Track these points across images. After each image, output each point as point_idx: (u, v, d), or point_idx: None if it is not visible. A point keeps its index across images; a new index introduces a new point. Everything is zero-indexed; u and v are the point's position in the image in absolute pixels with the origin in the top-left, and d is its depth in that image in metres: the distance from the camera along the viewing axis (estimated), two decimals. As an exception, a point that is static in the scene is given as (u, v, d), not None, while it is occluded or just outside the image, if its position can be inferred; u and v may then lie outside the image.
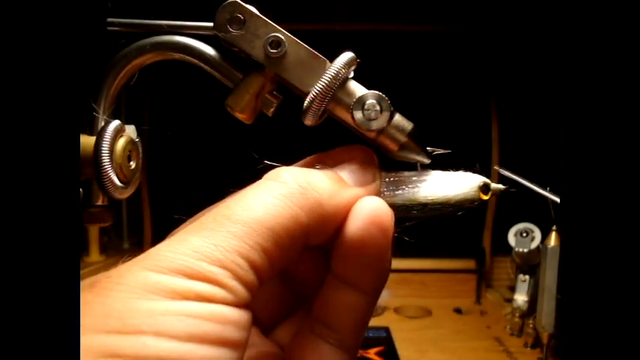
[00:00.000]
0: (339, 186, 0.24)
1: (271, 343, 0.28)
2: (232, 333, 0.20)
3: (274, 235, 0.21)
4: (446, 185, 0.27)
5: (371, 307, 0.25)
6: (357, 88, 0.27)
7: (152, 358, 0.18)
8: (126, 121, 0.33)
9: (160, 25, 0.31)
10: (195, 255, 0.20)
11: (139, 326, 0.18)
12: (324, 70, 0.27)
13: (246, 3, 0.28)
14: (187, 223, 0.25)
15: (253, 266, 0.21)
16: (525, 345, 0.90)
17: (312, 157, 0.28)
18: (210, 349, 0.19)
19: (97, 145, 0.31)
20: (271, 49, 0.27)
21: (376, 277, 0.24)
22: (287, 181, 0.23)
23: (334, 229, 0.24)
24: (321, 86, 0.26)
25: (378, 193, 0.26)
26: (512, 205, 1.04)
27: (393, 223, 0.24)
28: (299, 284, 0.29)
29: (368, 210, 0.23)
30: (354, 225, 0.23)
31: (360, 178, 0.25)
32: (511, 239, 0.98)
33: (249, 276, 0.20)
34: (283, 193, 0.22)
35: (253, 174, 0.25)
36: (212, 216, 0.22)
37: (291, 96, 0.29)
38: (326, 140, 0.29)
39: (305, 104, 0.27)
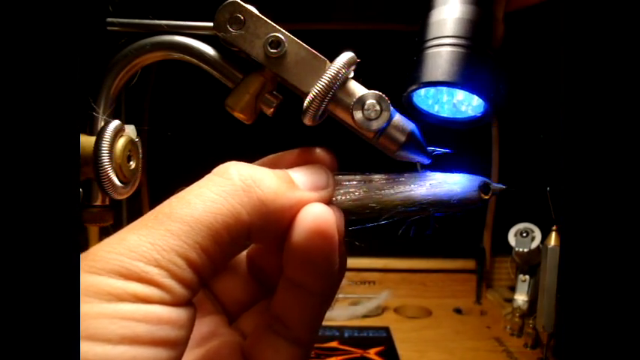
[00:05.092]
0: (286, 187, 0.24)
1: (234, 332, 0.28)
2: (168, 332, 0.20)
3: (213, 233, 0.21)
4: (446, 185, 0.27)
5: (322, 307, 0.26)
6: (357, 88, 0.27)
7: None
8: (126, 121, 0.33)
9: (160, 25, 0.31)
10: (132, 254, 0.20)
11: None
12: (324, 70, 0.27)
13: (246, 3, 0.28)
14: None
15: (191, 265, 0.21)
16: (525, 345, 0.89)
17: (272, 155, 0.28)
18: (144, 350, 0.19)
19: (97, 145, 0.31)
20: (271, 49, 0.27)
21: (324, 281, 0.24)
22: (231, 177, 0.23)
23: (281, 228, 0.24)
24: (321, 86, 0.26)
25: (330, 199, 0.26)
26: (512, 205, 1.04)
27: (340, 230, 0.24)
28: (266, 275, 0.29)
29: (311, 219, 0.23)
30: (298, 233, 0.23)
31: (311, 181, 0.25)
32: (511, 239, 0.98)
33: (188, 275, 0.21)
34: (226, 190, 0.22)
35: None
36: (154, 213, 0.22)
37: (291, 96, 0.29)
38: (326, 140, 0.29)
39: (305, 104, 0.27)
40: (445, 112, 0.32)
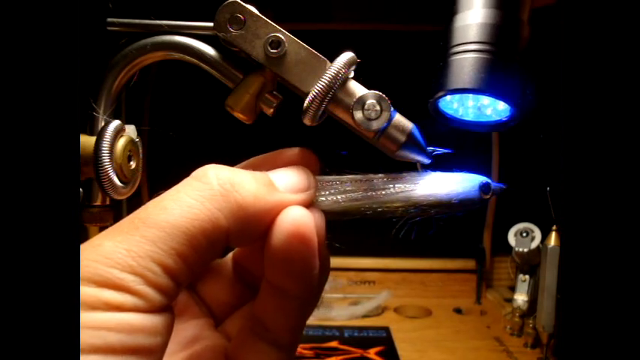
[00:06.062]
0: (266, 189, 0.23)
1: (220, 335, 0.28)
2: (143, 340, 0.20)
3: (190, 239, 0.21)
4: (447, 185, 0.27)
5: (304, 310, 0.25)
6: (357, 88, 0.27)
7: None
8: (126, 121, 0.33)
9: (160, 25, 0.31)
10: (106, 261, 0.19)
11: None
12: (324, 70, 0.27)
13: (246, 3, 0.28)
14: None
15: (167, 271, 0.20)
16: (525, 345, 0.90)
17: (256, 157, 0.27)
18: (117, 359, 0.19)
19: (97, 145, 0.31)
20: (271, 49, 0.27)
21: (304, 284, 0.24)
22: (209, 182, 0.22)
23: (261, 231, 0.23)
24: (321, 86, 0.26)
25: (311, 201, 0.25)
26: (512, 205, 1.03)
27: (320, 233, 0.24)
28: (252, 277, 0.29)
29: (289, 222, 0.23)
30: (276, 237, 0.23)
31: (292, 183, 0.25)
32: (511, 239, 0.98)
33: (163, 281, 0.20)
34: (203, 194, 0.22)
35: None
36: (130, 219, 0.21)
37: (292, 96, 0.29)
38: (326, 140, 0.29)
39: (305, 104, 0.27)
40: (470, 116, 0.32)
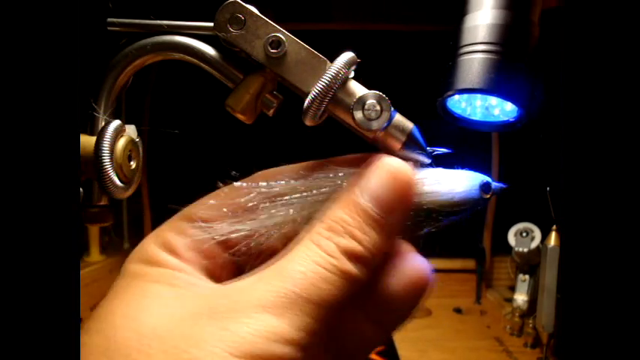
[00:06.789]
0: None
1: None
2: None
3: None
4: (447, 185, 0.27)
5: None
6: (357, 88, 0.27)
7: None
8: (126, 121, 0.33)
9: (160, 25, 0.31)
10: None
11: None
12: (324, 70, 0.27)
13: (246, 3, 0.28)
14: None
15: None
16: (525, 345, 0.90)
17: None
18: None
19: (98, 145, 0.31)
20: (271, 49, 0.27)
21: None
22: None
23: None
24: (321, 86, 0.26)
25: None
26: (512, 205, 1.04)
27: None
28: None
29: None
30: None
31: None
32: (511, 239, 0.98)
33: None
34: None
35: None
36: None
37: (292, 96, 0.29)
38: (326, 140, 0.29)
39: (305, 104, 0.27)
40: (477, 115, 0.33)
